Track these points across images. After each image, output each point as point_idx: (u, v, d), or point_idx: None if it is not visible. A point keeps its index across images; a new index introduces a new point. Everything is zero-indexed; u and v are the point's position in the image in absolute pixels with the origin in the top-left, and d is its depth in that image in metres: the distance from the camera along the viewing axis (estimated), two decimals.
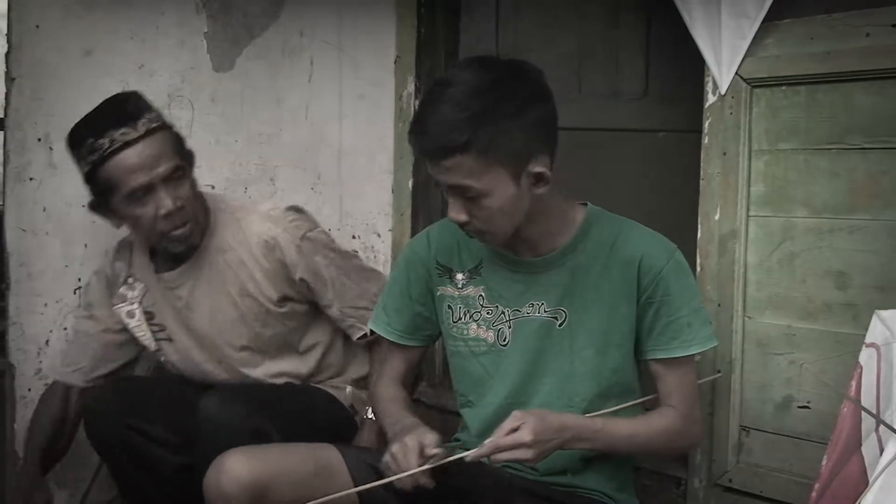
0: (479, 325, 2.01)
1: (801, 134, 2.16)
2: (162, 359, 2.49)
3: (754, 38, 2.16)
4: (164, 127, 2.31)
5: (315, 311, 2.51)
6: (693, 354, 1.93)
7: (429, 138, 1.74)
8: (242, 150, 2.90)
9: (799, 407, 2.20)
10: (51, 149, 2.58)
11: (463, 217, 1.81)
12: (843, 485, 1.33)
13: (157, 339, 2.45)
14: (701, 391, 2.27)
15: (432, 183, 3.03)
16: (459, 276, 2.03)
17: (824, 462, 1.41)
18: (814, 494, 1.39)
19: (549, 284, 1.95)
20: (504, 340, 1.99)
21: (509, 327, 1.98)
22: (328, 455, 1.91)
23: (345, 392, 2.49)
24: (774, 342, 2.22)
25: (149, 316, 2.45)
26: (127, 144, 2.20)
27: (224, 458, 1.83)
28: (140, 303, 2.44)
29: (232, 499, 1.79)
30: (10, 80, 2.52)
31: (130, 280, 2.45)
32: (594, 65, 2.81)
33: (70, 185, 2.61)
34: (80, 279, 2.65)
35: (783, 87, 2.18)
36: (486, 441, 1.75)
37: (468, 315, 2.02)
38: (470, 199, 1.78)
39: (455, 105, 1.70)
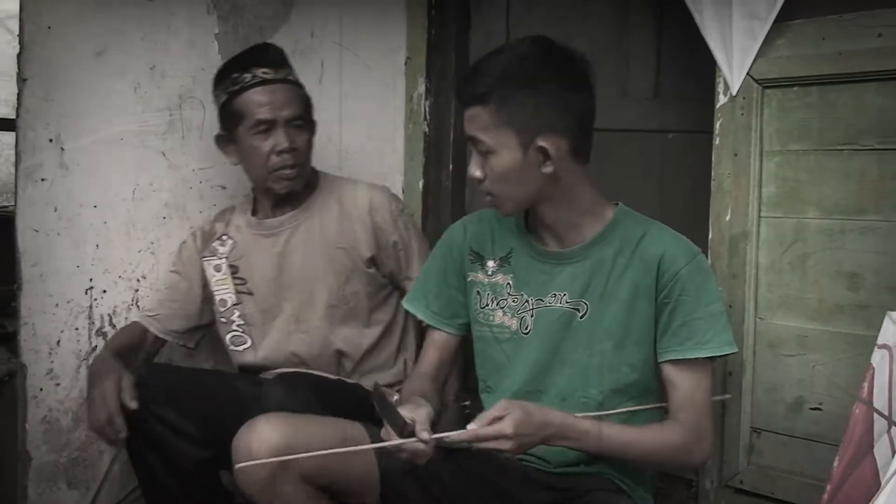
0: (504, 313, 2.04)
1: (812, 135, 2.15)
2: (236, 314, 2.59)
3: (766, 38, 2.15)
4: (299, 85, 2.55)
5: (388, 288, 2.61)
6: (708, 361, 1.91)
7: (462, 86, 1.95)
8: None
9: (811, 408, 2.19)
10: (62, 149, 2.58)
11: (478, 173, 1.92)
12: (856, 487, 1.33)
13: (237, 293, 2.57)
14: (713, 393, 2.28)
15: (442, 183, 3.04)
16: (490, 263, 2.08)
17: (836, 464, 1.41)
18: (826, 496, 1.39)
19: (573, 276, 1.97)
20: (526, 329, 2.01)
21: (532, 316, 2.01)
22: (355, 433, 1.94)
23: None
24: (786, 343, 2.21)
25: (233, 270, 2.58)
26: (264, 82, 2.44)
27: (257, 420, 1.89)
28: (227, 258, 2.59)
29: (259, 459, 1.83)
30: (21, 80, 2.52)
31: (224, 237, 2.61)
32: (604, 65, 2.80)
33: (81, 186, 2.62)
34: (91, 279, 2.65)
35: (795, 88, 2.17)
36: (470, 425, 1.77)
37: (495, 302, 2.06)
38: (484, 156, 1.90)
39: (491, 65, 1.87)
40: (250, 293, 2.57)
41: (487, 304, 2.07)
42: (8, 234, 2.61)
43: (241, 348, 2.59)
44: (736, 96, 2.22)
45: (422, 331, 2.36)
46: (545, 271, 2.01)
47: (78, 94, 2.60)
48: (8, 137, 5.47)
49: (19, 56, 2.52)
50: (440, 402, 2.13)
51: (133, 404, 2.21)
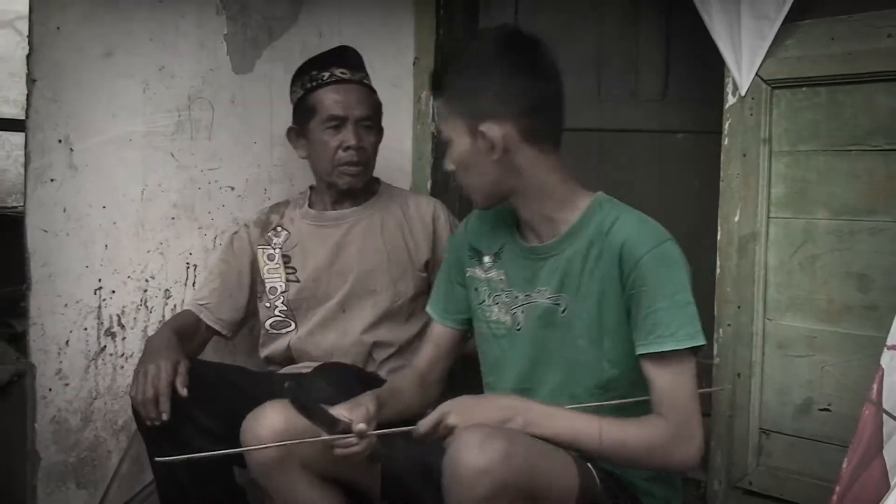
0: (499, 309, 2.02)
1: (821, 135, 2.15)
2: (281, 300, 2.62)
3: (774, 38, 2.15)
4: (373, 89, 2.63)
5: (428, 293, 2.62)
6: (686, 354, 1.78)
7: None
8: (262, 152, 2.91)
9: (819, 409, 2.19)
10: (71, 150, 2.58)
11: (449, 166, 1.95)
12: (865, 488, 1.32)
13: (287, 281, 2.61)
14: (720, 395, 2.27)
15: (450, 184, 3.04)
16: (486, 259, 2.06)
17: (845, 465, 1.40)
18: (835, 498, 1.39)
19: (552, 271, 1.93)
20: (518, 325, 1.99)
21: (522, 312, 1.98)
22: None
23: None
24: (795, 344, 2.21)
25: (286, 259, 2.62)
26: (340, 81, 2.55)
27: (266, 406, 1.92)
28: (281, 248, 2.63)
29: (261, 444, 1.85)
30: (30, 81, 2.53)
31: (279, 229, 2.66)
32: (613, 66, 2.81)
33: (90, 187, 2.62)
34: (100, 280, 2.65)
35: (804, 89, 2.17)
36: (415, 427, 1.80)
37: (491, 297, 2.03)
38: (447, 147, 1.92)
39: (447, 57, 2.00)
40: (297, 280, 2.60)
41: (485, 300, 2.05)
42: (17, 234, 2.62)
43: (284, 331, 2.60)
44: (745, 97, 2.22)
45: None
46: (528, 266, 1.98)
47: (87, 94, 2.61)
48: (17, 138, 5.49)
49: (28, 57, 2.53)
50: (424, 398, 2.13)
51: (184, 391, 2.22)
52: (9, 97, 5.79)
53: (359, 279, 2.58)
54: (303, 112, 2.58)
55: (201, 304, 2.62)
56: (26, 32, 2.56)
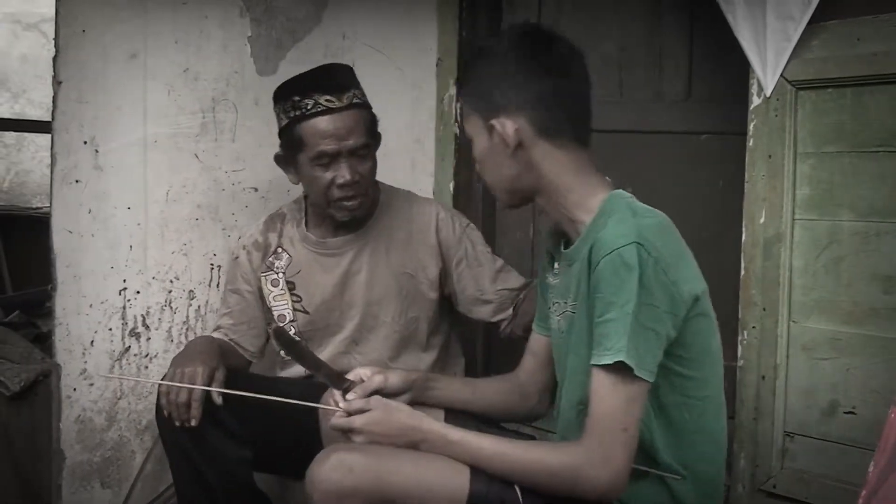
0: (554, 316, 1.95)
1: (847, 136, 2.14)
2: (292, 331, 2.53)
3: (800, 39, 2.14)
4: (365, 106, 2.45)
5: (444, 311, 2.60)
6: (626, 371, 1.62)
7: None
8: None
9: (845, 412, 2.17)
10: (96, 151, 2.60)
11: (476, 165, 1.92)
12: (892, 491, 1.32)
13: (294, 310, 2.53)
14: (745, 397, 2.26)
15: (473, 185, 3.04)
16: (556, 265, 1.97)
17: (871, 468, 1.39)
18: (861, 501, 1.38)
19: (568, 277, 1.86)
20: (561, 332, 1.92)
21: (562, 320, 1.91)
22: (452, 475, 1.79)
23: None
24: (820, 347, 2.20)
25: (290, 286, 2.53)
26: (328, 111, 2.35)
27: (336, 449, 1.81)
28: (284, 273, 2.54)
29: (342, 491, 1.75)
30: (56, 83, 2.55)
31: (279, 250, 2.55)
32: (637, 67, 2.80)
33: (115, 188, 2.64)
34: (125, 280, 2.67)
35: (829, 90, 2.16)
36: (343, 401, 1.92)
37: (553, 304, 1.97)
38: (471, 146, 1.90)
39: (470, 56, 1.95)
40: (305, 311, 2.53)
41: (549, 307, 1.99)
42: (43, 235, 2.64)
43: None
44: (770, 98, 2.21)
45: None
46: (565, 272, 1.90)
47: (112, 96, 2.63)
48: (42, 139, 5.54)
49: (54, 59, 2.55)
50: (516, 405, 2.12)
51: (219, 400, 2.18)
52: (34, 99, 5.84)
53: (369, 310, 2.51)
54: (288, 143, 2.42)
55: (229, 341, 2.52)
56: (51, 35, 2.58)
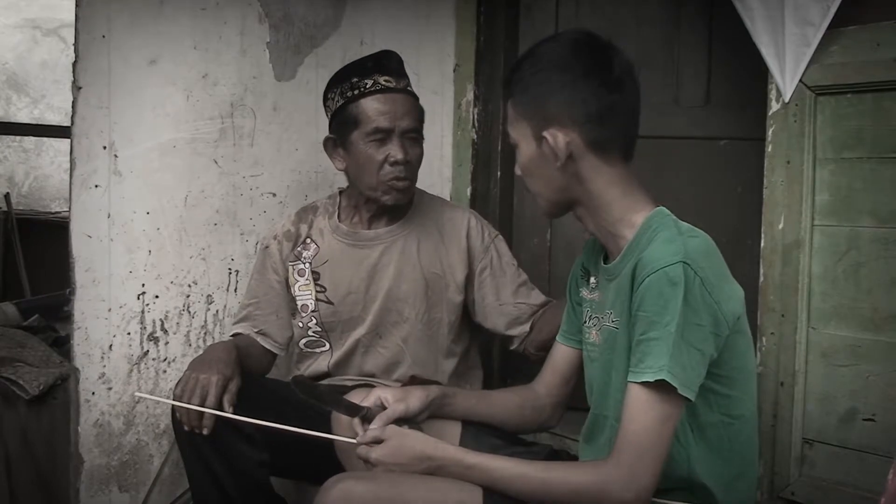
0: (591, 330, 1.92)
1: (866, 142, 2.13)
2: (314, 321, 2.55)
3: (819, 44, 2.13)
4: (416, 97, 2.51)
5: (468, 319, 2.60)
6: (664, 388, 1.61)
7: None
8: (304, 158, 2.93)
9: (864, 419, 2.16)
10: (116, 156, 2.62)
11: (517, 170, 1.89)
12: None
13: (317, 300, 2.54)
14: (764, 403, 2.25)
15: (490, 190, 3.04)
16: (592, 279, 1.95)
17: (890, 476, 1.39)
18: None
19: (614, 292, 1.82)
20: (596, 346, 1.90)
21: (601, 335, 1.88)
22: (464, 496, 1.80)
23: None
24: (839, 353, 2.19)
25: (315, 275, 2.55)
26: (386, 90, 2.42)
27: (345, 477, 1.82)
28: (311, 263, 2.56)
29: None
30: (76, 88, 2.57)
31: (308, 241, 2.58)
32: (655, 72, 2.80)
33: (134, 193, 2.65)
34: (143, 285, 2.68)
35: (848, 95, 2.15)
36: (363, 432, 1.91)
37: (590, 319, 1.94)
38: (515, 151, 1.86)
39: (521, 58, 1.86)
40: (329, 302, 2.53)
41: (585, 322, 1.95)
42: (62, 239, 2.65)
43: (318, 350, 2.56)
44: (788, 103, 2.20)
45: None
46: (606, 287, 1.87)
47: (131, 101, 2.64)
48: (61, 144, 5.58)
49: (74, 65, 2.56)
50: (530, 417, 2.11)
51: (230, 410, 2.18)
52: (53, 104, 5.89)
53: (394, 306, 2.52)
54: (343, 122, 2.45)
55: (258, 332, 2.55)
56: (71, 41, 2.60)
